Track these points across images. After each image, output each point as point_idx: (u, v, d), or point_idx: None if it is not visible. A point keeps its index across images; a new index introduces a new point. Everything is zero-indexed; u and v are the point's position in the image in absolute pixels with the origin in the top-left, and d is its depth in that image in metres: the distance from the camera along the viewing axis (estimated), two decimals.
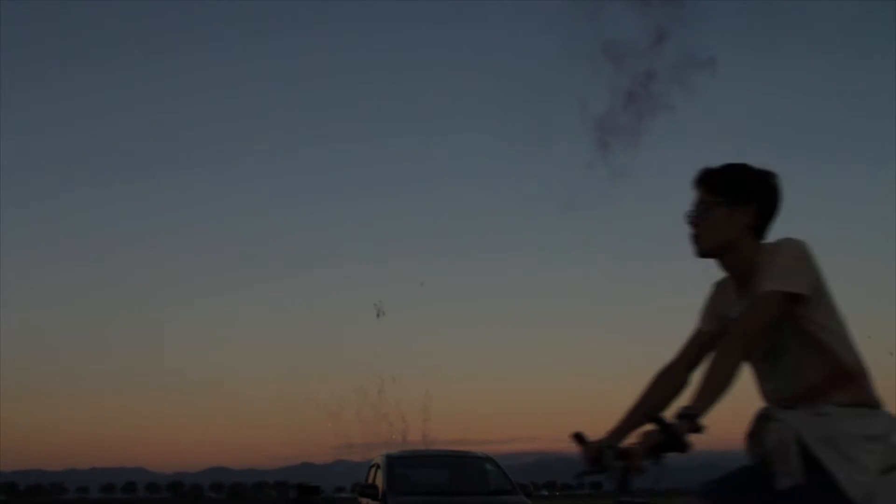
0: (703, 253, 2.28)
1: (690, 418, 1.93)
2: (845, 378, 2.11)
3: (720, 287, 2.40)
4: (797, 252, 2.14)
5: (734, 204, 2.21)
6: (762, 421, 2.23)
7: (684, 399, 2.13)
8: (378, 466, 10.94)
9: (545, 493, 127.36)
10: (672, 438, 1.89)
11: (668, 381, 2.36)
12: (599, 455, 2.16)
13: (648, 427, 1.95)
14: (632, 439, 2.17)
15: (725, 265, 2.29)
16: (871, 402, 2.12)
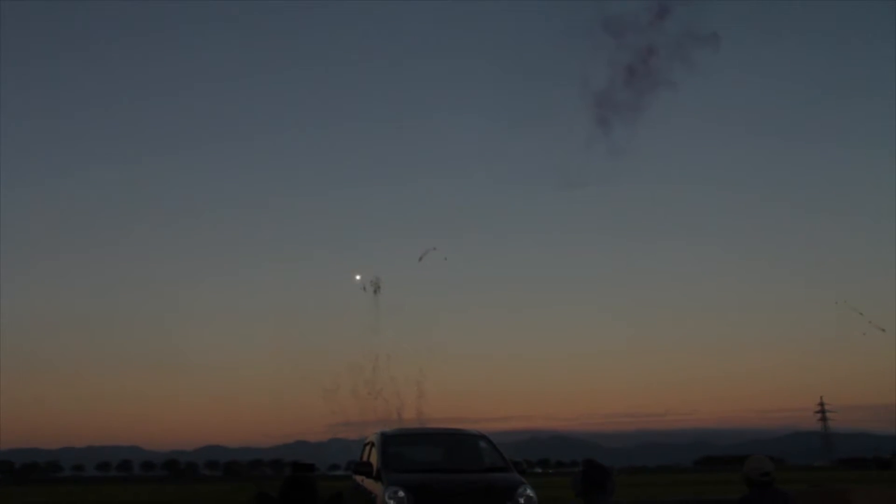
0: None
1: None
2: None
3: None
4: None
5: None
6: None
7: None
8: (373, 444, 11.00)
9: (538, 470, 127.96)
10: None
11: None
12: None
13: None
14: None
15: None
16: None
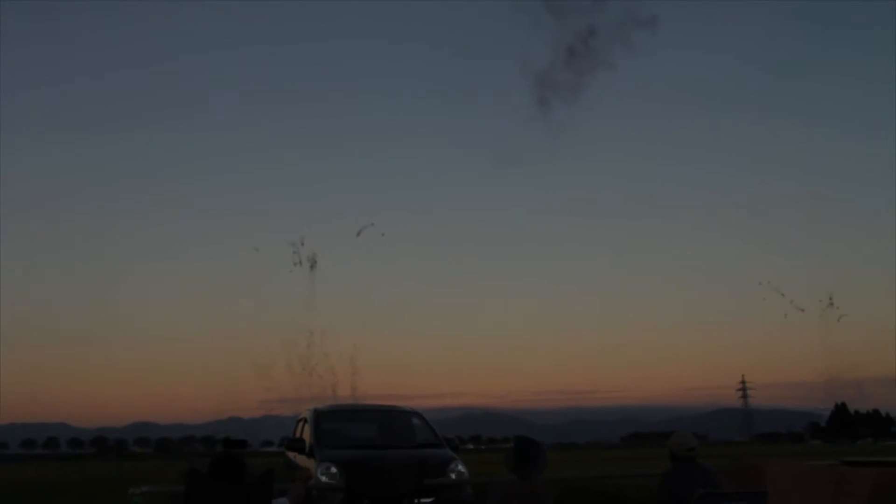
0: None
1: None
2: None
3: None
4: None
5: None
6: None
7: None
8: (306, 420, 11.00)
9: (471, 446, 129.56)
10: None
11: None
12: None
13: None
14: None
15: None
16: None
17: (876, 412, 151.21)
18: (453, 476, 9.66)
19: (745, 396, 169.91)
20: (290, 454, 11.08)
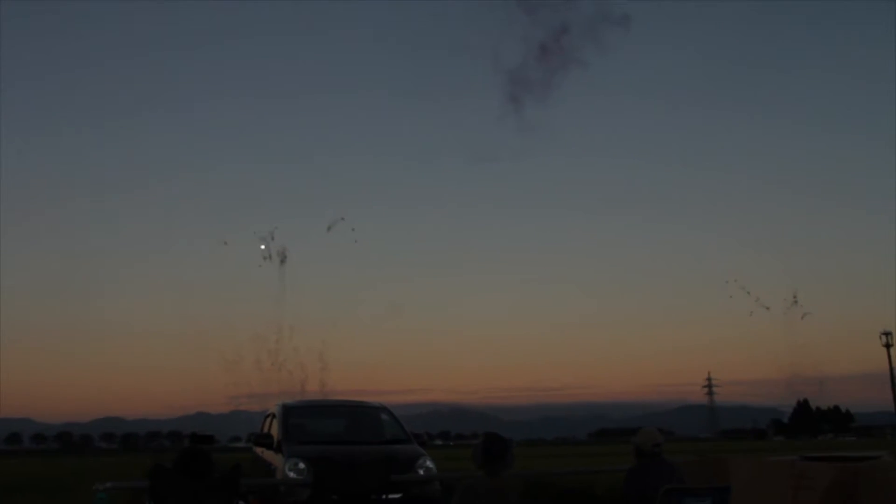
0: None
1: None
2: None
3: None
4: None
5: None
6: None
7: None
8: (274, 416, 10.97)
9: (439, 442, 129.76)
10: None
11: None
12: None
13: None
14: None
15: None
16: None
17: (836, 408, 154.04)
18: (421, 472, 9.68)
19: (710, 393, 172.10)
20: (258, 450, 11.03)
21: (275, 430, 10.56)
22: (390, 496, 9.25)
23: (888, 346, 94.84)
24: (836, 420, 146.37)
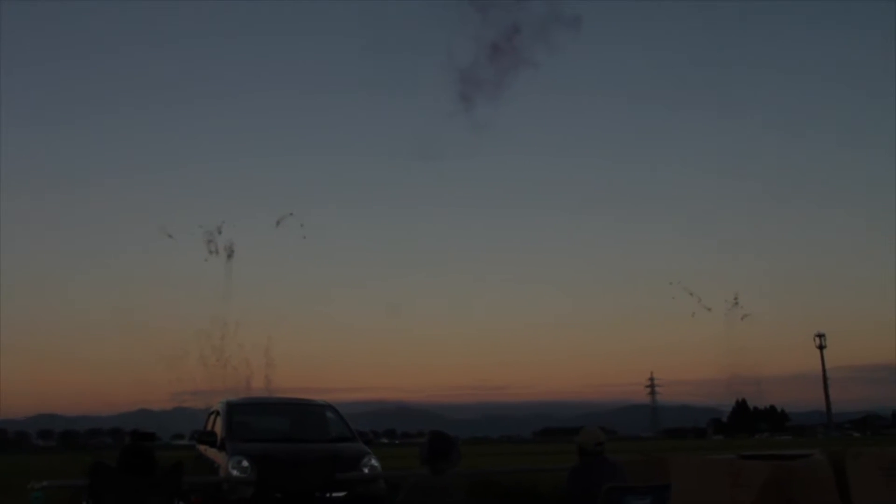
0: None
1: None
2: None
3: None
4: None
5: None
6: None
7: None
8: (217, 413, 10.85)
9: (384, 440, 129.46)
10: None
11: None
12: None
13: None
14: None
15: None
16: None
17: (773, 408, 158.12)
18: (366, 470, 9.68)
19: (653, 393, 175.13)
20: (201, 447, 10.89)
21: (218, 428, 10.44)
22: (335, 494, 9.23)
23: (821, 347, 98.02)
24: (772, 419, 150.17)
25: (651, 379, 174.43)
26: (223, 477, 9.34)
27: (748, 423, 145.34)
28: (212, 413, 11.35)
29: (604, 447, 6.51)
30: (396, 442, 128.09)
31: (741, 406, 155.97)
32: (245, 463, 9.25)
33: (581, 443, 6.54)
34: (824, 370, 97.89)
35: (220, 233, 60.97)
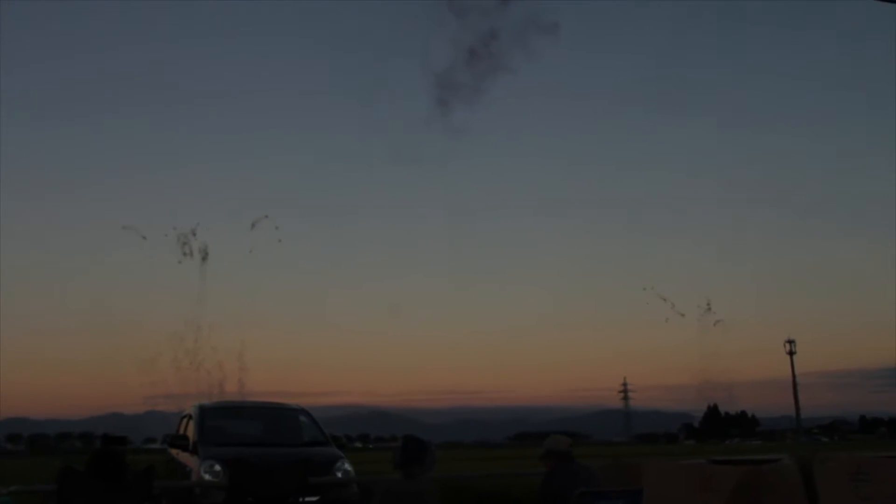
0: None
1: None
2: None
3: None
4: None
5: None
6: None
7: None
8: (190, 417, 10.78)
9: (358, 444, 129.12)
10: None
11: None
12: None
13: None
14: None
15: None
16: None
17: (743, 413, 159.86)
18: (339, 475, 9.67)
19: (626, 398, 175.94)
20: (173, 451, 10.82)
21: (190, 432, 10.38)
22: (307, 499, 9.20)
23: (791, 353, 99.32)
24: (743, 424, 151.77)
25: (624, 384, 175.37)
26: (195, 481, 9.28)
27: (719, 428, 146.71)
28: (184, 417, 11.28)
29: (573, 451, 6.62)
30: (370, 446, 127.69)
31: (713, 411, 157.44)
32: (217, 467, 9.20)
33: (553, 447, 6.60)
34: (794, 376, 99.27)
35: (194, 235, 60.38)
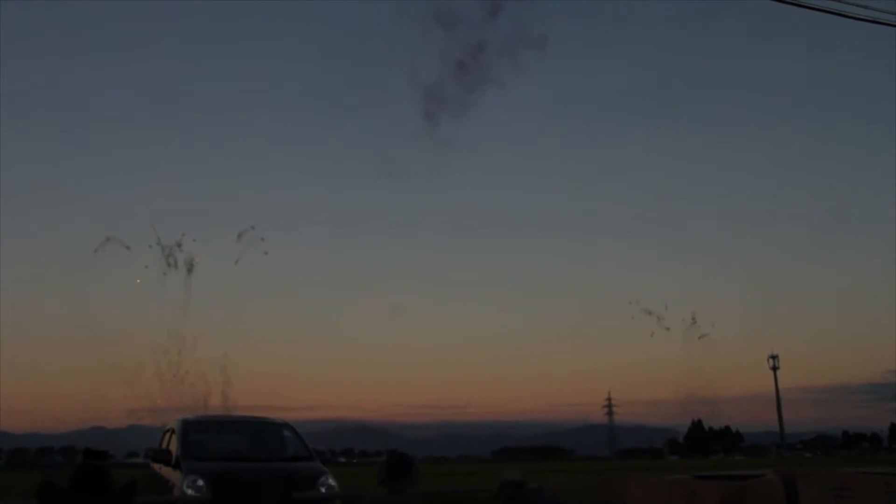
0: None
1: None
2: None
3: None
4: None
5: None
6: None
7: None
8: (173, 431, 10.71)
9: (342, 459, 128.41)
10: None
11: None
12: None
13: None
14: None
15: None
16: None
17: (727, 429, 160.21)
18: (323, 490, 9.63)
19: (610, 413, 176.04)
20: (155, 466, 10.74)
21: (173, 446, 10.32)
22: None
23: (775, 368, 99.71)
24: (727, 440, 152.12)
25: (608, 399, 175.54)
26: (178, 496, 9.22)
27: (704, 443, 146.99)
28: (167, 431, 11.20)
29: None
30: (354, 461, 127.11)
31: (697, 426, 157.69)
32: (200, 482, 9.14)
33: (506, 479, 6.67)
34: (777, 391, 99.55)
35: (179, 246, 60.11)
